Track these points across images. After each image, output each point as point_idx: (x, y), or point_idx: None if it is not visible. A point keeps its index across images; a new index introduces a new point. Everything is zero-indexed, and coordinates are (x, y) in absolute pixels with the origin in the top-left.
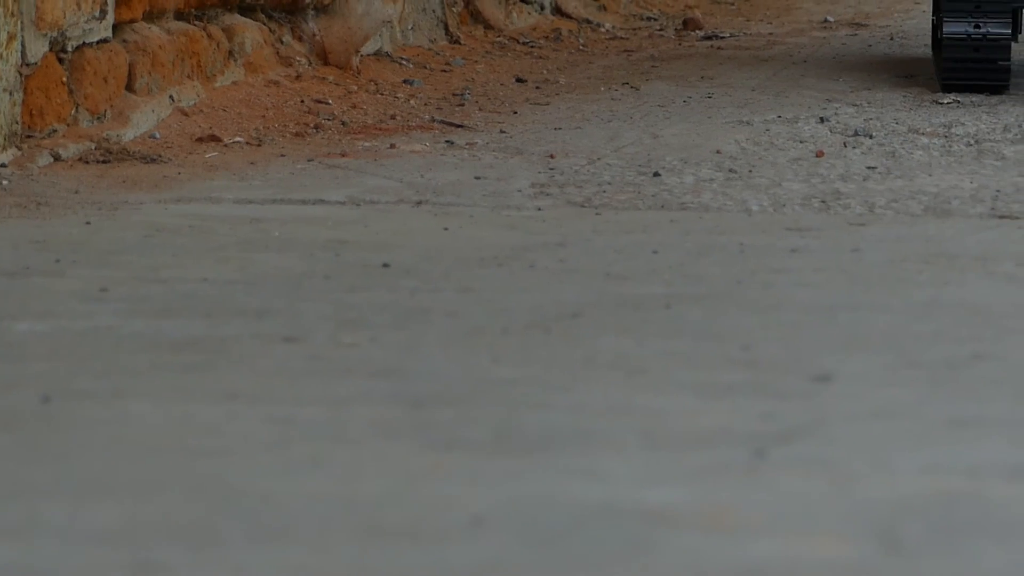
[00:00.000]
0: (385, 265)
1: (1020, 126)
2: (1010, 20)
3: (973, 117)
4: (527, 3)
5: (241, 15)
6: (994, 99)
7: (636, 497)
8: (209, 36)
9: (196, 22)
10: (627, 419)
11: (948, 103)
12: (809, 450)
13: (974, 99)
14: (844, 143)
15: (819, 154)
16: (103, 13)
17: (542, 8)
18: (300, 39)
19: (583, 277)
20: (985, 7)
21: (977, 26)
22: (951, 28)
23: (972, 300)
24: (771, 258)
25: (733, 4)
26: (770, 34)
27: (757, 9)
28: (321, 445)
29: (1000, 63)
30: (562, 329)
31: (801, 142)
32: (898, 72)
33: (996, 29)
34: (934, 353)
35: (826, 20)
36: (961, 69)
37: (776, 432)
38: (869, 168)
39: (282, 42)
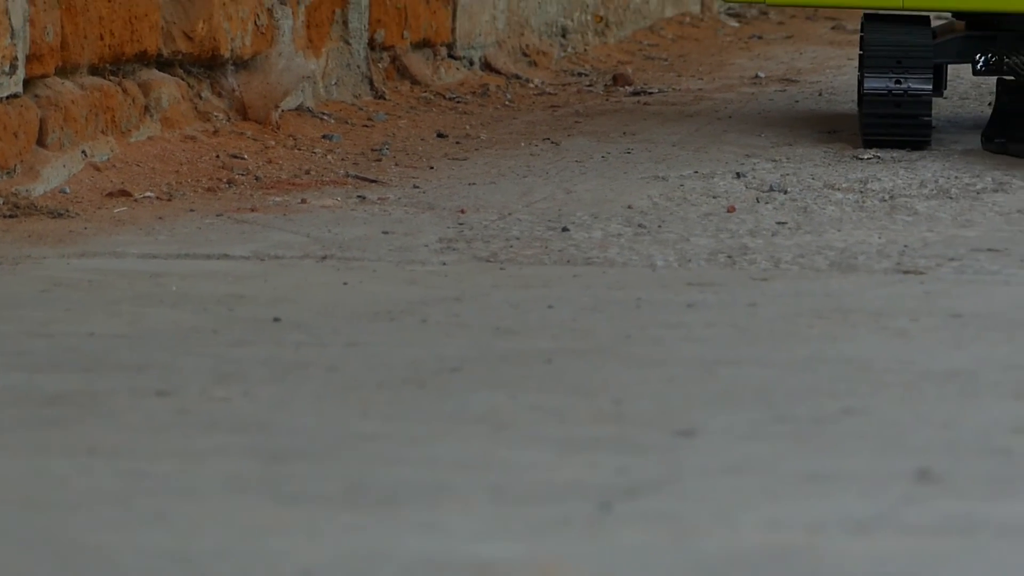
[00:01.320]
0: (276, 319)
1: (936, 181)
2: (931, 76)
3: (891, 172)
4: (456, 59)
5: (159, 70)
6: (915, 155)
7: (471, 551)
8: (124, 91)
9: (111, 77)
10: (481, 473)
11: (868, 159)
12: (656, 504)
13: (895, 155)
14: (757, 198)
15: (730, 209)
16: (13, 68)
17: (471, 64)
18: (219, 94)
19: (472, 332)
20: (907, 63)
21: (898, 81)
22: (872, 84)
23: (856, 355)
24: (665, 313)
25: (666, 60)
26: (699, 90)
27: (690, 65)
28: (168, 499)
29: (922, 119)
30: (438, 384)
31: (714, 197)
32: (822, 128)
33: (917, 85)
34: (804, 408)
35: (757, 76)
36: (882, 125)
37: (627, 486)
38: (779, 223)
39: (201, 97)
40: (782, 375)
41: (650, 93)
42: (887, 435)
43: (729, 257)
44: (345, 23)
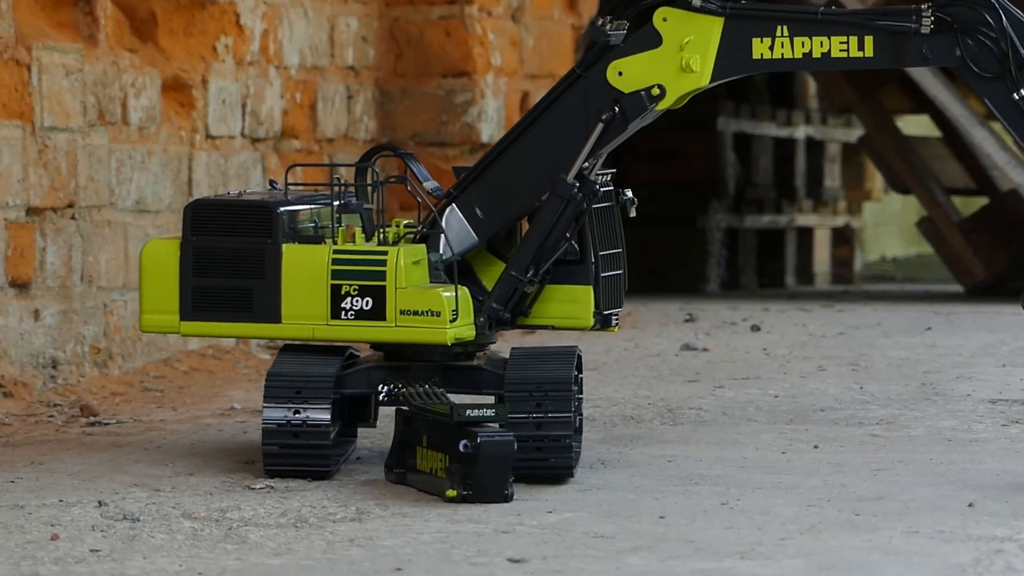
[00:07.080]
0: None
1: (300, 511)
2: (331, 407)
3: (259, 502)
4: None
5: None
6: (311, 485)
7: None
8: None
9: None
10: None
11: (260, 488)
12: None
13: (291, 484)
14: (94, 526)
15: (54, 537)
16: None
17: None
18: None
19: None
20: (306, 393)
21: (297, 412)
22: (270, 414)
23: None
24: None
25: (162, 392)
26: (161, 421)
27: (183, 397)
28: None
29: (320, 450)
30: None
31: (52, 526)
32: (244, 458)
33: (316, 415)
34: None
35: (232, 407)
36: (281, 455)
37: None
38: (92, 551)
39: None
40: None
41: (107, 424)
42: None
43: None
44: None
